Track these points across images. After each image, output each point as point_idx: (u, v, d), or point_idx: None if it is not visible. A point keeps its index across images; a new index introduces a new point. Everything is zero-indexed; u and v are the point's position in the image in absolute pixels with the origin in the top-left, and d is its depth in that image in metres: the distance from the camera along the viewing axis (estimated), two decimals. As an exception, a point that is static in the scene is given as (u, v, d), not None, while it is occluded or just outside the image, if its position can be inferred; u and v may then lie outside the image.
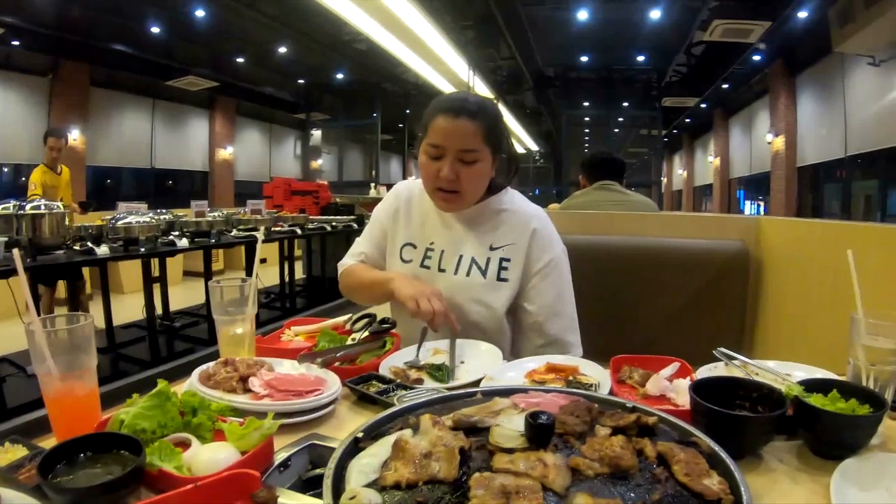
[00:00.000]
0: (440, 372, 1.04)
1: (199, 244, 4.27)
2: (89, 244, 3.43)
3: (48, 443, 0.72)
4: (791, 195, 12.21)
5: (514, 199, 1.45)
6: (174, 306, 4.99)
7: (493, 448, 0.58)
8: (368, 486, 0.53)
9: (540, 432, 0.58)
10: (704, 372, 1.00)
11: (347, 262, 1.54)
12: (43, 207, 3.09)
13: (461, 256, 1.38)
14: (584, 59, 13.46)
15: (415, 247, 1.44)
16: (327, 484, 0.52)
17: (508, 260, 1.36)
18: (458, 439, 0.58)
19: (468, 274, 1.36)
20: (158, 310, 4.49)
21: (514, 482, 0.50)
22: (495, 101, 1.39)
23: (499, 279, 1.36)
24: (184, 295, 5.74)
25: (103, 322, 4.05)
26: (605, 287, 1.83)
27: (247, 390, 0.90)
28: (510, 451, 0.57)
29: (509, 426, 0.60)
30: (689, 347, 1.19)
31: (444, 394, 0.78)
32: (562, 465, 0.54)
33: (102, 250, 3.40)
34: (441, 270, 1.39)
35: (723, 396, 0.80)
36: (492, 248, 1.38)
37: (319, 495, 0.53)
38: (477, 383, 0.96)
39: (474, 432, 0.62)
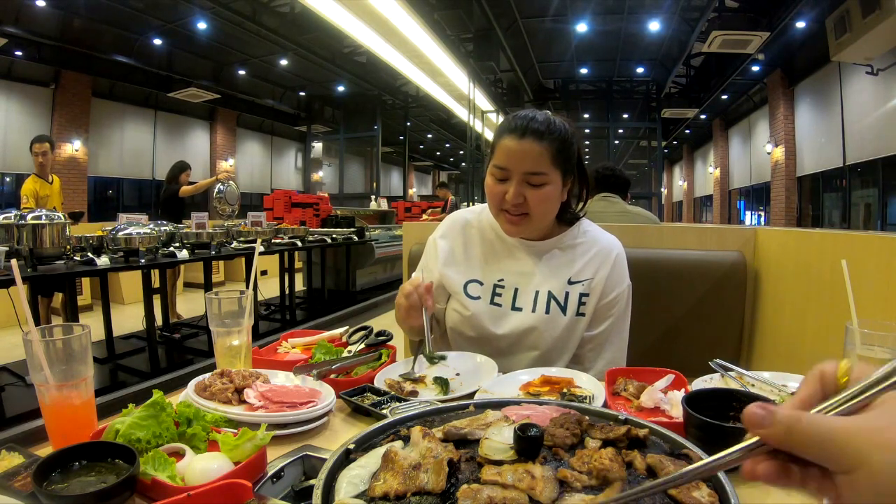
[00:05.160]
0: (441, 381, 1.04)
1: (200, 256, 4.28)
2: (90, 255, 3.44)
3: (45, 451, 0.72)
4: (791, 205, 12.23)
5: (587, 229, 1.37)
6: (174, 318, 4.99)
7: (483, 460, 0.58)
8: (357, 496, 0.53)
9: (529, 444, 0.58)
10: (699, 384, 1.01)
11: None
12: (44, 218, 3.10)
13: (537, 292, 1.29)
14: (584, 70, 13.59)
15: (481, 283, 1.33)
16: (317, 494, 0.53)
17: (587, 295, 1.29)
18: (448, 451, 0.58)
19: (547, 311, 1.28)
20: (159, 321, 4.49)
21: (501, 494, 0.50)
22: (567, 121, 1.26)
23: (577, 314, 1.29)
24: (184, 306, 5.75)
25: (103, 333, 4.05)
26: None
27: (242, 401, 0.91)
28: (499, 463, 0.57)
29: (499, 438, 0.60)
30: (688, 358, 1.19)
31: (437, 406, 0.79)
32: (549, 478, 0.54)
33: (103, 261, 3.41)
34: (516, 309, 1.30)
35: (717, 408, 0.79)
36: (570, 283, 1.29)
37: (310, 506, 0.53)
38: (471, 395, 0.97)
39: (464, 444, 0.62)
